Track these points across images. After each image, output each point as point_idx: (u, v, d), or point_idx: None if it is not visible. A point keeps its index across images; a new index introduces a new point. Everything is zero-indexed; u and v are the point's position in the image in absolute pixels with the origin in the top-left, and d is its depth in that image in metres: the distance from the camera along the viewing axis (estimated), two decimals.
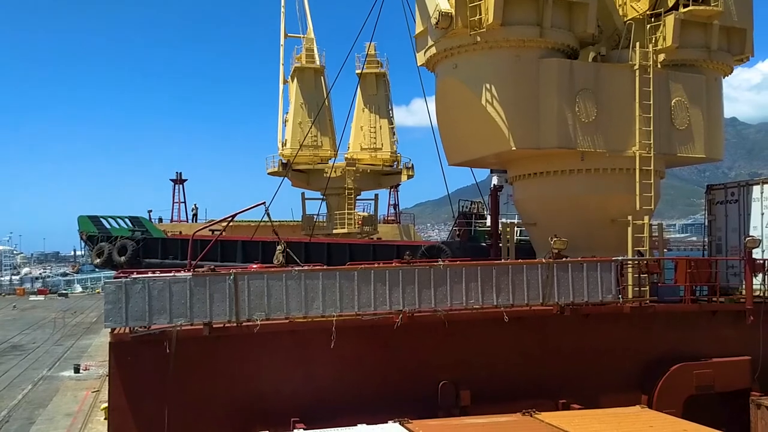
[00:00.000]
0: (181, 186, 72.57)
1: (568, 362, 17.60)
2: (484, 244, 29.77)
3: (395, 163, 50.23)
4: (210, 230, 25.09)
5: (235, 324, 15.29)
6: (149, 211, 53.53)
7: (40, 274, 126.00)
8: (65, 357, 39.81)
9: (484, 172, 33.87)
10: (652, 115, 19.97)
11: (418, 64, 22.69)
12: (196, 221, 59.32)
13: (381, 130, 49.36)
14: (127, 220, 40.86)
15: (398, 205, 74.21)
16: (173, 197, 71.82)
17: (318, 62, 48.60)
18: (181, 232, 26.87)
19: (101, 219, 40.49)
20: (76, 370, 34.84)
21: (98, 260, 37.57)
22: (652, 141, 19.97)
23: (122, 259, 35.59)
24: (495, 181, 35.21)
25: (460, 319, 16.70)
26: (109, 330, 15.14)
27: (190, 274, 15.21)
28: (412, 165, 50.71)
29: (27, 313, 67.29)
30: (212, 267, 15.94)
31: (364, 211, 51.97)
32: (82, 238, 41.56)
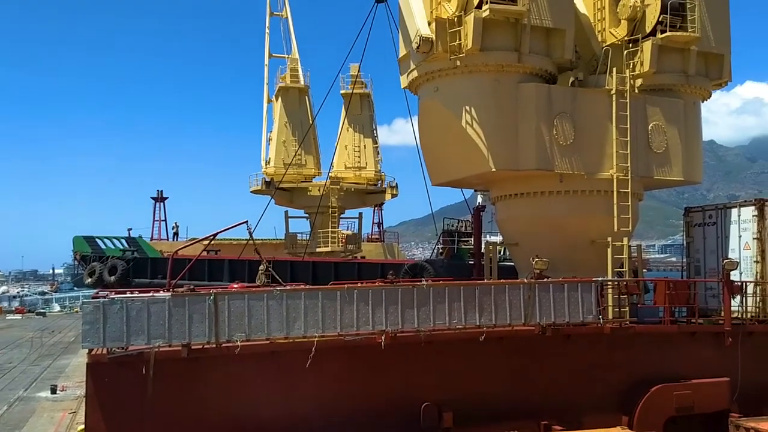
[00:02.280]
0: (162, 204, 72.16)
1: (549, 383, 17.65)
2: (469, 262, 29.86)
3: (379, 182, 50.46)
4: (206, 251, 25.06)
5: (214, 345, 15.17)
6: (129, 230, 53.06)
7: (18, 292, 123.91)
8: (42, 377, 39.10)
9: (472, 190, 34.11)
10: (629, 138, 20.26)
11: (402, 87, 22.90)
12: (177, 239, 58.93)
13: (365, 149, 49.68)
14: (123, 241, 40.83)
15: (382, 223, 74.37)
16: (154, 215, 71.35)
17: (302, 82, 48.92)
18: (177, 252, 27.00)
19: (96, 239, 40.58)
20: (53, 390, 34.19)
21: (89, 280, 37.71)
22: (629, 164, 20.25)
23: (112, 278, 35.60)
24: (479, 200, 35.45)
25: (443, 339, 16.70)
26: (87, 350, 14.98)
27: (169, 294, 15.08)
28: (396, 184, 50.96)
29: (3, 333, 66.05)
30: (191, 287, 15.80)
31: (348, 230, 52.00)
32: (75, 258, 41.49)
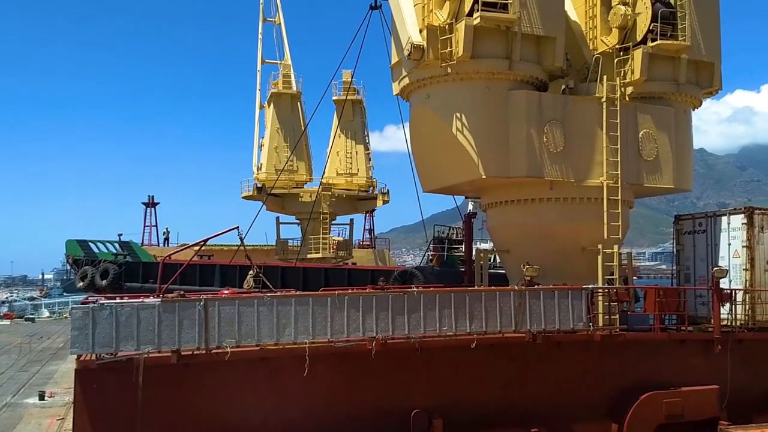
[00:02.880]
0: (153, 209, 71.93)
1: (540, 390, 17.68)
2: (460, 269, 29.85)
3: (371, 188, 50.44)
4: (199, 255, 25.01)
5: (204, 351, 15.11)
6: (119, 235, 52.89)
7: (6, 298, 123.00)
8: (30, 383, 38.80)
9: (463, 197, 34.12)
10: (619, 146, 20.34)
11: (394, 94, 22.92)
12: (167, 245, 58.70)
13: (357, 155, 49.66)
14: (116, 245, 40.69)
15: (373, 230, 74.23)
16: (144, 221, 71.13)
17: (294, 88, 48.91)
18: (170, 257, 26.97)
19: (89, 243, 40.42)
20: (41, 397, 33.92)
21: (81, 284, 37.59)
22: (619, 171, 20.32)
23: (104, 282, 35.51)
24: (470, 207, 35.49)
25: (434, 346, 16.70)
26: (75, 356, 14.86)
27: (159, 299, 15.01)
28: (388, 190, 50.95)
29: None
30: (182, 292, 15.73)
31: (339, 236, 51.93)
32: (68, 262, 41.39)
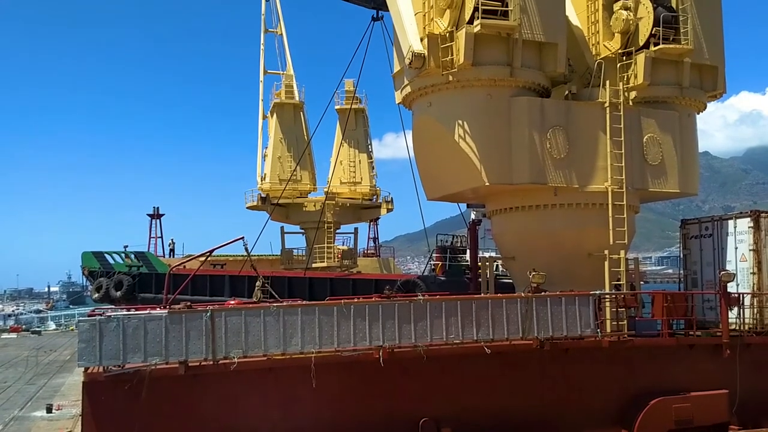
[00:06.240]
0: (158, 221, 72.02)
1: (548, 397, 17.63)
2: (466, 279, 29.80)
3: (375, 196, 50.47)
4: (212, 265, 25.16)
5: (211, 362, 15.10)
6: (125, 247, 53.04)
7: (13, 311, 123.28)
8: (37, 396, 38.77)
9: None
10: (623, 151, 20.29)
11: (396, 102, 22.92)
12: (173, 256, 58.77)
13: (360, 164, 49.71)
14: (132, 256, 40.96)
15: (378, 238, 74.14)
16: (150, 232, 71.19)
17: (297, 98, 49.07)
18: (184, 266, 27.12)
19: (105, 255, 40.74)
20: (49, 410, 33.88)
21: (97, 295, 38.10)
22: (624, 177, 20.27)
23: (118, 294, 35.85)
24: (473, 216, 35.49)
25: (441, 354, 16.66)
26: (83, 369, 14.88)
27: (166, 311, 15.03)
28: (392, 199, 50.96)
29: None
30: (188, 303, 15.74)
31: (344, 245, 51.91)
32: (84, 274, 41.91)
